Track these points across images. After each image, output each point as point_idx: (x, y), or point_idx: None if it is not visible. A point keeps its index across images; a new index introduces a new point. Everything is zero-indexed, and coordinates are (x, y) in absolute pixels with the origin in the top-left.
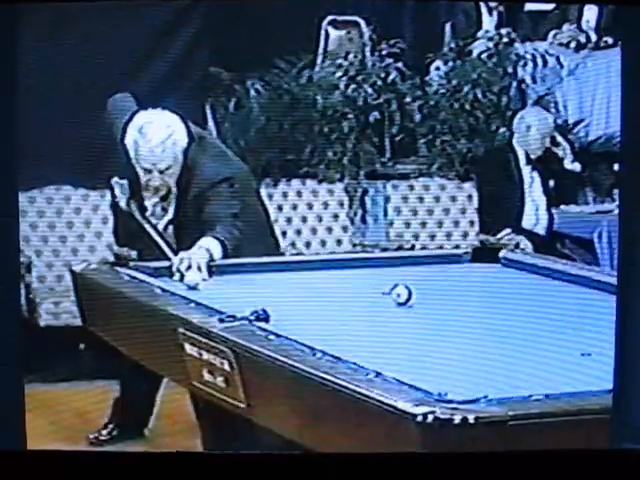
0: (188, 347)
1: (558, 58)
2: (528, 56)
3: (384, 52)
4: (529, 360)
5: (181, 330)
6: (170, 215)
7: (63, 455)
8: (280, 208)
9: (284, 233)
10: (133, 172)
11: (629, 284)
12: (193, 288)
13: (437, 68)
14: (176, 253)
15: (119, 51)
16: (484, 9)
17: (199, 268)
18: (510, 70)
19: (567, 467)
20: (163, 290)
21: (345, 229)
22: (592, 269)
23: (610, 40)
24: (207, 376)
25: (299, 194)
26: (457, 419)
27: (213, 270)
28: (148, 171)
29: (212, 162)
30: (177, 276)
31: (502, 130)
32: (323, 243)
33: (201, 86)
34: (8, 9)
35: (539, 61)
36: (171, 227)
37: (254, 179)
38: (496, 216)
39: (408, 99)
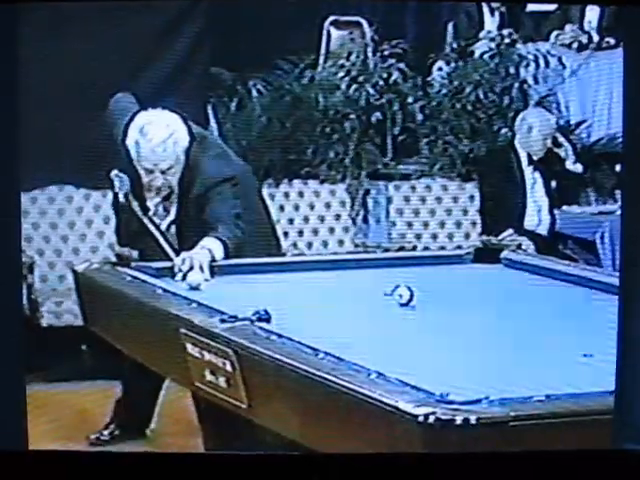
0: (190, 347)
1: (560, 59)
2: (530, 57)
3: (386, 52)
4: (531, 361)
5: (183, 330)
6: (172, 215)
7: (64, 455)
8: (282, 208)
9: (286, 233)
10: (135, 173)
11: (631, 285)
12: (195, 288)
13: (439, 69)
14: (178, 253)
15: (121, 51)
16: (486, 10)
17: (201, 268)
18: (512, 71)
19: (569, 467)
20: (165, 290)
21: (347, 230)
22: (594, 270)
23: (612, 41)
24: (209, 376)
25: (301, 194)
26: (459, 420)
27: (215, 270)
28: (150, 171)
29: (214, 162)
30: (179, 276)
31: (504, 131)
32: (325, 244)
33: (203, 86)
34: (8, 9)
35: (541, 62)
36: (173, 227)
37: (256, 179)
38: (498, 217)
39: (410, 99)
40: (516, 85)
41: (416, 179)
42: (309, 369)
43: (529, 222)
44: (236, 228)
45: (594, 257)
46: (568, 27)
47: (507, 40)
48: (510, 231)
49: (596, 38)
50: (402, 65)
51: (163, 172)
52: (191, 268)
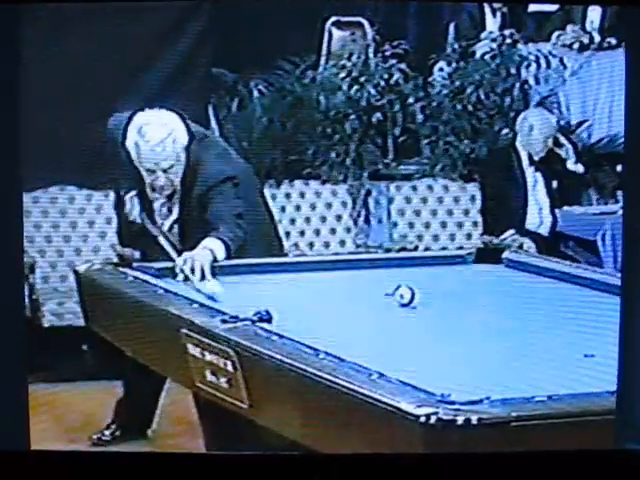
0: (191, 348)
1: (561, 59)
2: (531, 57)
3: (387, 53)
4: (532, 361)
5: (184, 331)
6: (175, 215)
7: (65, 455)
8: (283, 209)
9: (287, 234)
10: (137, 175)
11: (633, 285)
12: (213, 298)
13: (440, 69)
14: (180, 254)
15: (122, 52)
16: (488, 10)
17: (202, 269)
18: (513, 71)
19: (570, 468)
20: (166, 291)
21: (348, 230)
22: (595, 270)
23: (614, 41)
24: (210, 377)
25: (302, 195)
26: (460, 420)
27: (216, 271)
28: (152, 171)
29: (216, 160)
30: (181, 277)
31: (505, 131)
32: (326, 244)
33: (204, 87)
34: (10, 9)
35: (542, 62)
36: (176, 227)
37: (258, 179)
38: (499, 217)
39: (411, 100)
40: (517, 85)
41: (417, 179)
42: (310, 369)
43: (530, 222)
44: (237, 228)
45: (595, 257)
46: (569, 27)
47: (508, 40)
48: (511, 231)
49: (597, 38)
50: (403, 66)
51: (165, 171)
52: (193, 270)
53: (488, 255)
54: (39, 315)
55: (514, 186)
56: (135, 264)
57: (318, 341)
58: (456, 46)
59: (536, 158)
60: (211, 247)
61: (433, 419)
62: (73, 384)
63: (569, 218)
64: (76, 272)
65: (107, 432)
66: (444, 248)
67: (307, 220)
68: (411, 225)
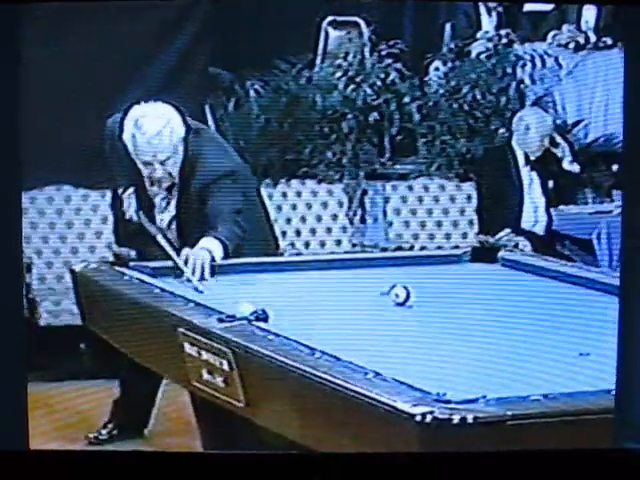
0: (187, 347)
1: (557, 59)
2: (527, 57)
3: (383, 52)
4: (528, 360)
5: (180, 330)
6: (173, 209)
7: (62, 454)
8: (279, 208)
9: (283, 233)
10: (134, 172)
11: (631, 284)
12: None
13: (436, 69)
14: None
15: (119, 52)
16: (483, 10)
17: (202, 269)
18: (509, 71)
19: (566, 467)
20: (162, 290)
21: (344, 229)
22: (591, 269)
23: (609, 41)
24: (206, 376)
25: (298, 194)
26: (456, 419)
27: (213, 270)
28: (149, 164)
29: (214, 154)
30: (188, 271)
31: (501, 130)
32: (322, 243)
33: (201, 86)
34: (10, 9)
35: (538, 62)
36: (175, 223)
37: (255, 178)
38: (495, 216)
39: (407, 99)
40: (513, 85)
41: (413, 179)
42: (306, 368)
43: (526, 222)
44: (236, 226)
45: (591, 256)
46: (565, 27)
47: (504, 40)
48: (507, 231)
49: (593, 38)
50: (399, 65)
51: (162, 163)
52: (194, 271)
53: (484, 254)
54: (35, 315)
55: (510, 185)
56: (131, 263)
57: (314, 340)
58: (452, 45)
59: (532, 157)
60: (209, 247)
61: (429, 418)
62: (70, 383)
63: (565, 217)
64: (72, 271)
65: (104, 431)
66: (440, 247)
67: (303, 219)
68: (407, 224)
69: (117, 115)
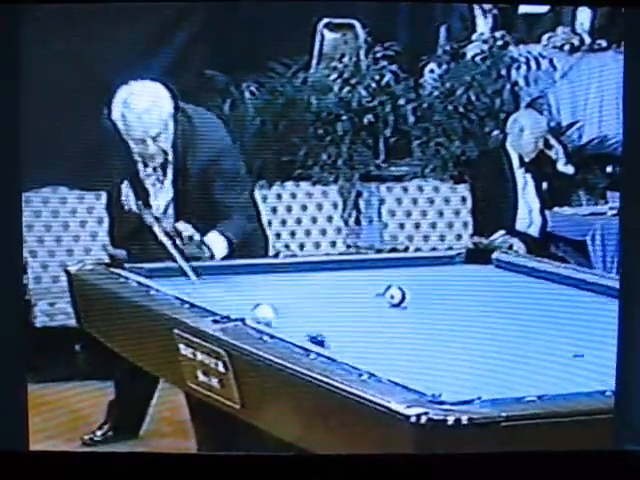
0: (183, 348)
1: (551, 61)
2: (522, 59)
3: (379, 55)
4: (522, 361)
5: (176, 331)
6: (168, 191)
7: (57, 455)
8: (274, 210)
9: (278, 235)
10: (130, 165)
11: (631, 285)
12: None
13: (431, 71)
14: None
15: (115, 53)
16: (478, 12)
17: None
18: (504, 73)
19: (566, 469)
20: (158, 291)
21: (339, 231)
22: (585, 271)
23: (604, 43)
24: (202, 377)
25: (293, 196)
26: (450, 420)
27: (208, 271)
28: (141, 140)
29: (209, 134)
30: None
31: (496, 132)
32: (317, 245)
33: (196, 88)
34: (10, 9)
35: (532, 64)
36: (172, 207)
37: (249, 178)
38: (489, 218)
39: (402, 101)
40: (508, 87)
41: (408, 181)
42: (301, 370)
43: (520, 223)
44: (245, 220)
45: (585, 258)
46: (560, 29)
47: (499, 42)
48: (501, 232)
49: (588, 40)
50: (394, 67)
51: (154, 139)
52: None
53: (478, 256)
54: (31, 315)
55: (504, 187)
56: (127, 265)
57: (309, 341)
58: (447, 48)
59: (526, 159)
60: (210, 243)
61: (424, 419)
62: (65, 384)
63: (559, 219)
64: (68, 272)
65: (99, 432)
66: (434, 249)
67: (298, 221)
68: (402, 226)
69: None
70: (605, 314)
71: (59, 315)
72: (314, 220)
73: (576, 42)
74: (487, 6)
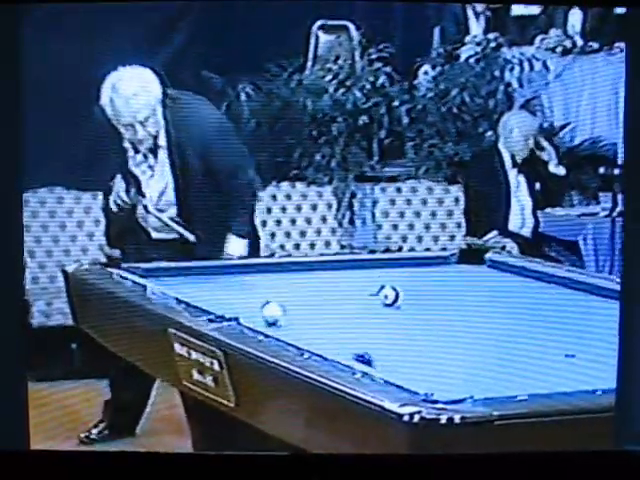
0: (178, 347)
1: (544, 62)
2: (515, 60)
3: (373, 56)
4: (515, 360)
5: (171, 330)
6: (159, 177)
7: (53, 454)
8: (269, 210)
9: (273, 235)
10: (116, 135)
11: (632, 286)
12: (272, 324)
13: (425, 72)
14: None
15: (113, 54)
16: (471, 14)
17: None
18: (497, 74)
19: (568, 468)
20: (153, 291)
21: (333, 231)
22: (577, 271)
23: (595, 45)
24: (197, 376)
25: (288, 197)
26: (443, 419)
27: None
28: (130, 125)
29: (200, 111)
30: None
31: (489, 133)
32: (312, 245)
33: (192, 89)
34: (10, 9)
35: (526, 65)
36: (167, 193)
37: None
38: (483, 218)
39: (396, 103)
40: (501, 88)
41: (402, 181)
42: (295, 369)
43: (513, 224)
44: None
45: (577, 258)
46: (553, 31)
47: (492, 44)
48: (494, 233)
49: (580, 42)
50: (389, 69)
51: (142, 123)
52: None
53: (471, 256)
54: (28, 315)
55: (497, 188)
56: (123, 264)
57: (303, 340)
58: (441, 50)
59: (519, 160)
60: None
61: (417, 418)
62: (61, 383)
63: (551, 220)
64: (65, 272)
65: (95, 430)
66: (428, 249)
67: (293, 221)
68: (395, 226)
69: None
70: (598, 314)
71: (56, 314)
72: (309, 221)
73: (568, 44)
74: (480, 8)
